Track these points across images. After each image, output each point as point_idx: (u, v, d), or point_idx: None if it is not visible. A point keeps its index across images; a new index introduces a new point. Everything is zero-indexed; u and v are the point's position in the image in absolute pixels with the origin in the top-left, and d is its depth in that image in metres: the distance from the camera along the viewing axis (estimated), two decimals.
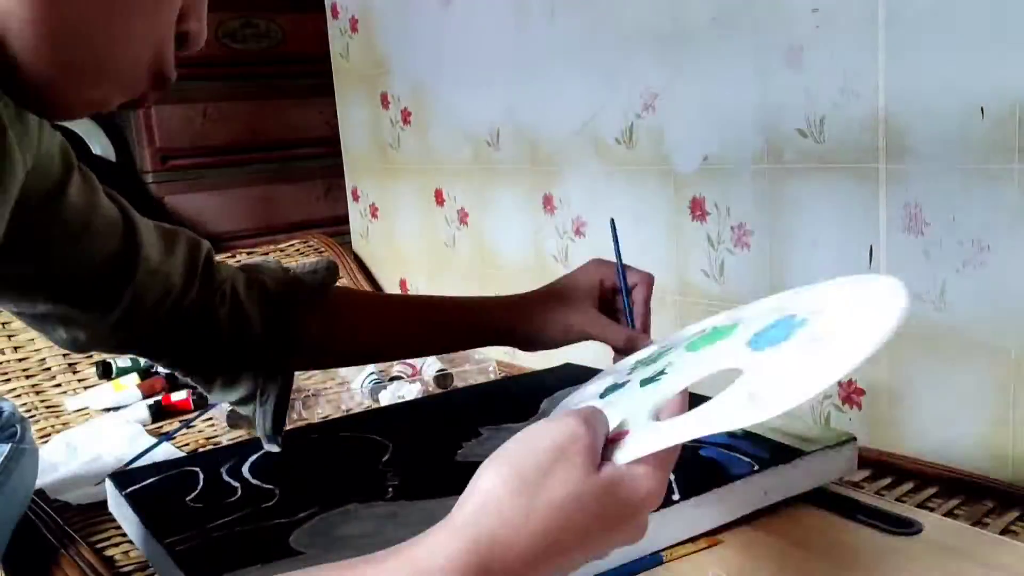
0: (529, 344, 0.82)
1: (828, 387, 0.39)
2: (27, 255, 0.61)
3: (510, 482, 0.40)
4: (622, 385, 0.54)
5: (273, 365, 0.74)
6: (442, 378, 1.16)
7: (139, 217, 0.68)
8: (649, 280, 0.79)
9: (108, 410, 1.15)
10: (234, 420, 1.02)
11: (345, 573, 0.40)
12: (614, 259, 0.80)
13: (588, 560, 0.43)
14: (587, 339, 0.79)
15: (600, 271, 0.80)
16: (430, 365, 1.18)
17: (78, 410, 1.16)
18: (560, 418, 0.43)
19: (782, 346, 0.44)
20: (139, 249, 0.66)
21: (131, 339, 0.70)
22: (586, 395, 0.58)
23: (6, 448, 0.76)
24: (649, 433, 0.44)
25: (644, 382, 0.51)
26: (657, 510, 0.61)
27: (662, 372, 0.52)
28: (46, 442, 1.01)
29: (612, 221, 0.80)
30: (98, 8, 0.45)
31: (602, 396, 0.54)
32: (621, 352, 0.76)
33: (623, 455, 0.43)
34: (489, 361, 1.20)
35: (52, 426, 1.10)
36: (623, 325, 0.78)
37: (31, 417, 1.12)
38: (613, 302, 0.80)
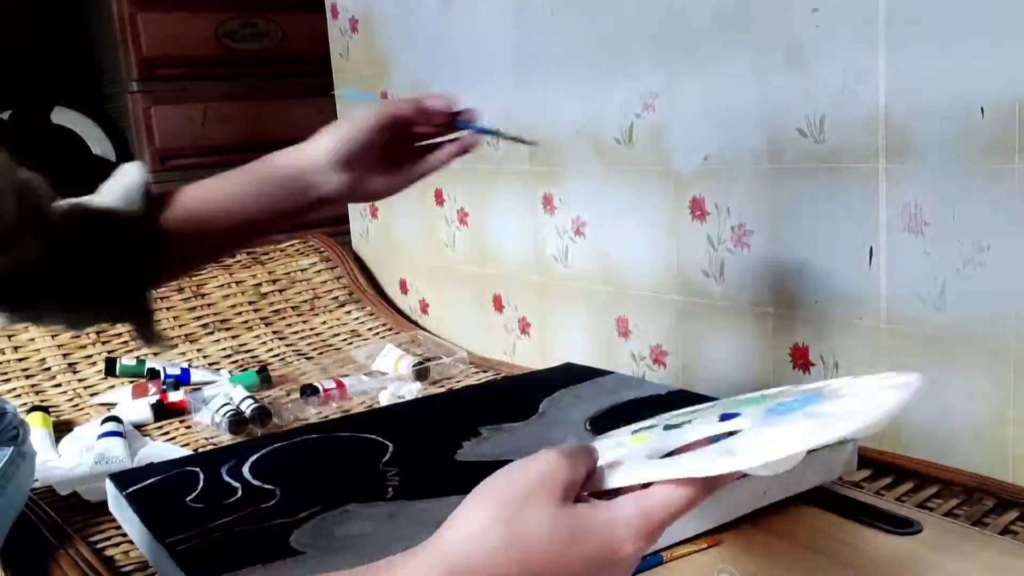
0: (337, 175, 0.73)
1: (797, 453, 0.41)
2: None
3: (487, 511, 0.42)
4: (653, 427, 0.55)
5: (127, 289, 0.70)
6: (420, 372, 1.19)
7: None
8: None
9: (105, 405, 1.15)
10: (236, 428, 1.01)
11: None
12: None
13: None
14: (389, 126, 0.72)
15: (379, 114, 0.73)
16: (406, 360, 1.21)
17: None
18: (542, 454, 0.44)
19: (785, 417, 0.46)
20: None
21: None
22: (622, 431, 0.58)
23: (8, 451, 0.76)
24: (628, 468, 0.45)
25: (667, 427, 0.53)
26: None
27: (688, 422, 0.53)
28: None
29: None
30: None
31: (633, 432, 0.56)
32: (439, 126, 0.74)
33: (592, 485, 0.45)
34: (459, 350, 1.28)
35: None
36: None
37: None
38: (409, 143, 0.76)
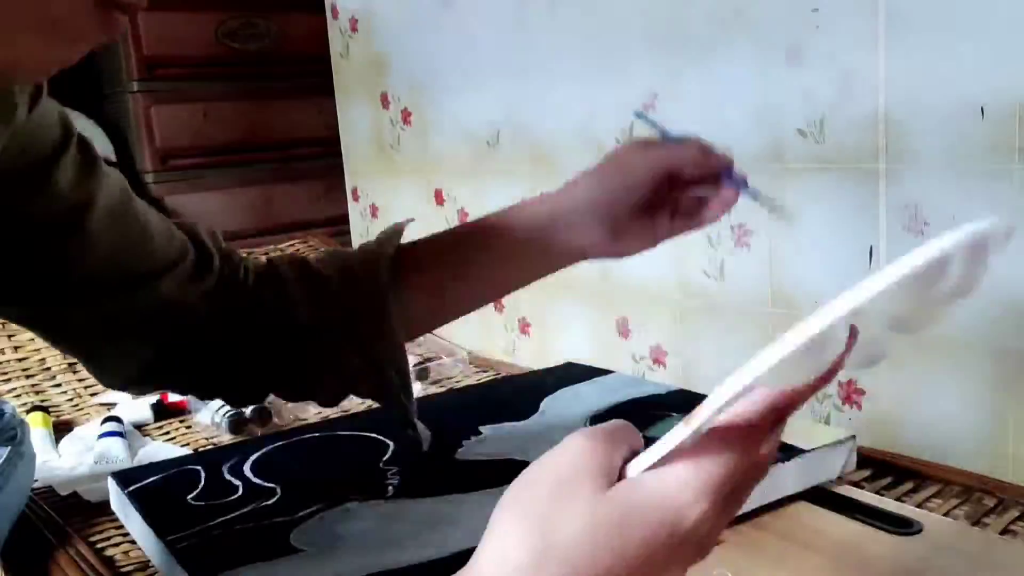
0: (597, 229, 0.68)
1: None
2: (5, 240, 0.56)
3: (516, 523, 0.35)
4: None
5: (372, 347, 0.66)
6: (420, 372, 1.18)
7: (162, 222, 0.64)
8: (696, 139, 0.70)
9: (105, 405, 1.15)
10: (236, 428, 1.01)
11: None
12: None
13: None
14: (661, 180, 0.68)
15: (640, 146, 0.69)
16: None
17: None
18: (567, 441, 0.37)
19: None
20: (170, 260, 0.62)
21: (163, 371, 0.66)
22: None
23: (5, 451, 0.76)
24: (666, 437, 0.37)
25: None
26: None
27: None
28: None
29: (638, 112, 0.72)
30: None
31: None
32: (706, 178, 0.68)
33: (633, 466, 0.37)
34: (459, 350, 1.29)
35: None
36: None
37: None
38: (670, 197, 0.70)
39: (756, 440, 0.36)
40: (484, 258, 0.71)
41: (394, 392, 0.69)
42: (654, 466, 0.36)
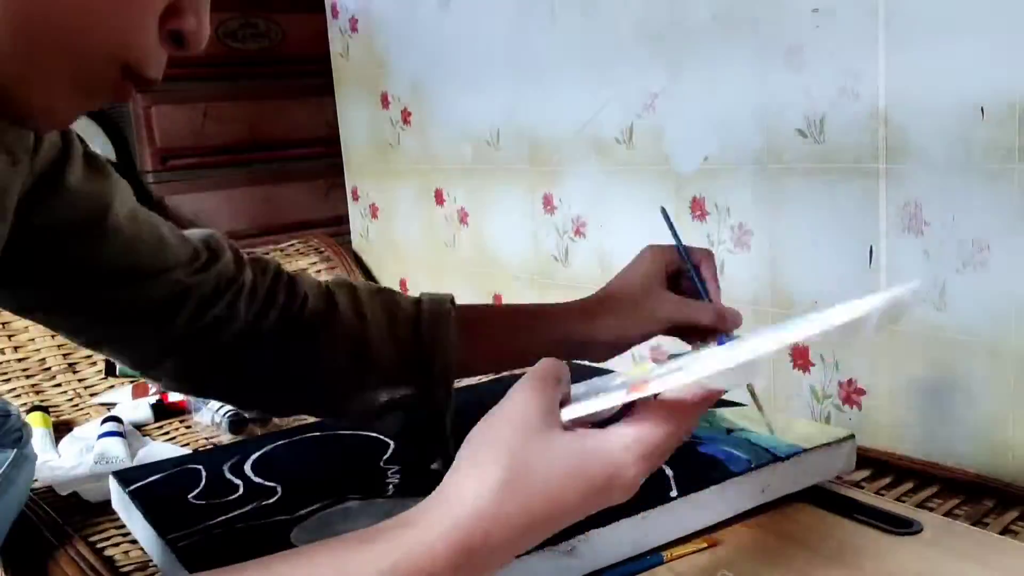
0: (611, 348, 0.76)
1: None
2: (28, 250, 0.59)
3: (481, 467, 0.42)
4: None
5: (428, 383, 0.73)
6: None
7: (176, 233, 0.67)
8: (711, 255, 0.75)
9: (105, 405, 1.15)
10: (236, 428, 1.01)
11: (338, 554, 0.42)
12: (665, 243, 0.76)
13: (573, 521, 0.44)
14: (671, 327, 0.74)
15: (660, 256, 0.75)
16: None
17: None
18: (511, 393, 0.45)
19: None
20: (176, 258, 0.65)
21: (195, 368, 0.69)
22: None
23: (12, 454, 0.76)
24: (600, 396, 0.45)
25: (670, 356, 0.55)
26: (654, 507, 0.62)
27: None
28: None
29: (663, 209, 0.76)
30: None
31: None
32: (709, 331, 0.72)
33: (566, 413, 0.45)
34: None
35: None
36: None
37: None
38: (678, 287, 0.76)
39: (688, 419, 0.44)
40: (528, 336, 0.78)
41: (437, 433, 0.75)
42: (586, 418, 0.44)
